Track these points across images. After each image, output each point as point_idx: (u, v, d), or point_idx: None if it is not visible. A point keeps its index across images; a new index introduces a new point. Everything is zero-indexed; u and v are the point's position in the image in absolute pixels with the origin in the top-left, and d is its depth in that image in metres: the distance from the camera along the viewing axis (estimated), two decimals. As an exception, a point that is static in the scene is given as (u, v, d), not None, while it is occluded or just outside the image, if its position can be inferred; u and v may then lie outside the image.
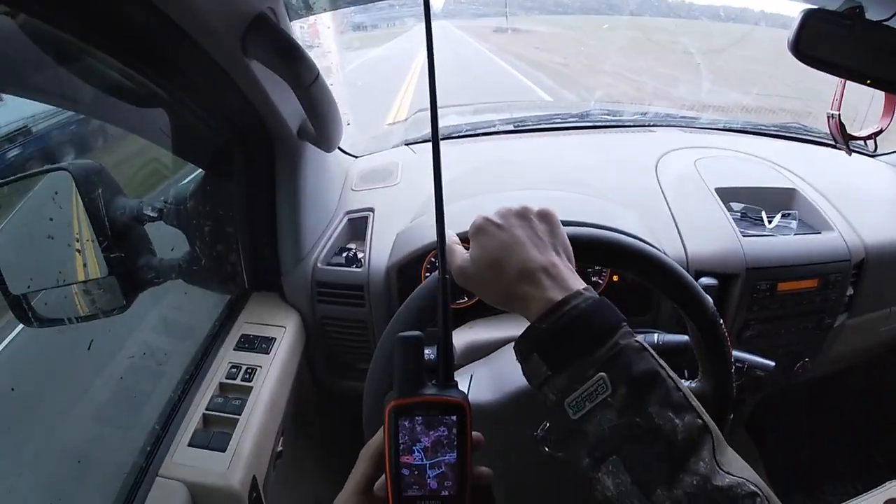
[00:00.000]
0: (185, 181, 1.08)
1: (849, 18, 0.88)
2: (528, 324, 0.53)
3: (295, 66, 0.81)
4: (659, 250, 1.09)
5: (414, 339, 0.46)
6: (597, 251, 0.74)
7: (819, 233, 1.28)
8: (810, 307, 1.25)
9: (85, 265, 0.90)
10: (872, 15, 0.87)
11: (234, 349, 1.06)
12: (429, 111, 0.51)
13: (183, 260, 1.06)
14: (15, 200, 0.94)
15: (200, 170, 1.06)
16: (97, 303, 0.95)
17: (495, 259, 0.56)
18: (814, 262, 1.21)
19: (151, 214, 0.97)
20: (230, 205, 1.08)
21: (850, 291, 1.30)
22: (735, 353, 0.93)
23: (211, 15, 0.67)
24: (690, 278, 0.76)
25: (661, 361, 0.49)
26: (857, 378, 1.65)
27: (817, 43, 0.90)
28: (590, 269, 1.20)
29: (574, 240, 0.62)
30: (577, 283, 0.53)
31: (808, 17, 0.88)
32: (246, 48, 0.76)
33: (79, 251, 0.90)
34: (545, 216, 0.61)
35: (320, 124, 0.97)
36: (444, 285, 0.50)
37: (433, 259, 1.14)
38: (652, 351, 0.50)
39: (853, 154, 1.09)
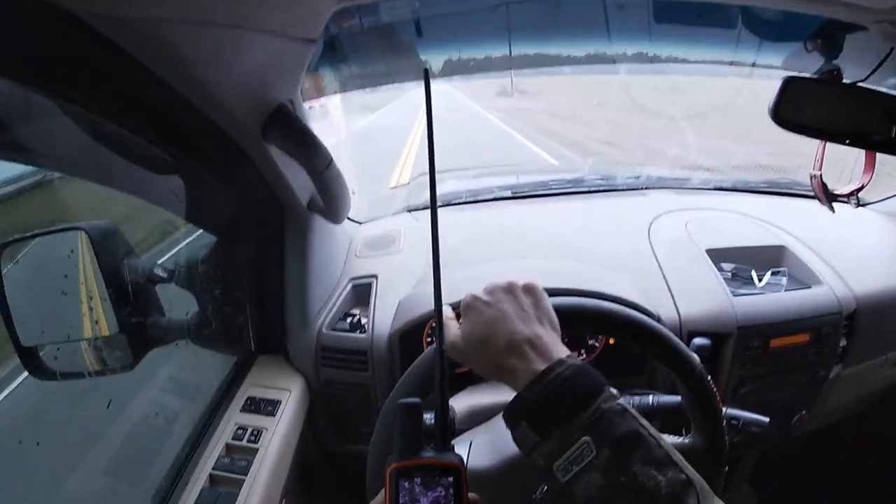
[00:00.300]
0: (198, 245, 1.11)
1: (827, 82, 0.93)
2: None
3: (311, 153, 0.88)
4: (648, 313, 1.14)
5: (413, 405, 0.50)
6: (581, 319, 0.78)
7: (809, 287, 1.30)
8: (803, 361, 1.26)
9: (96, 322, 0.92)
10: (849, 76, 0.92)
11: (241, 411, 1.07)
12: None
13: (192, 321, 1.08)
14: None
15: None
16: (106, 359, 0.97)
17: (483, 335, 0.61)
18: (804, 317, 1.23)
19: (162, 275, 1.00)
20: (240, 270, 1.11)
21: (843, 343, 1.31)
22: (730, 410, 0.95)
23: (236, 106, 0.72)
24: (675, 339, 0.79)
25: (643, 421, 0.52)
26: (857, 427, 1.63)
27: (797, 108, 0.93)
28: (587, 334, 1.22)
29: (559, 310, 0.66)
30: (561, 352, 0.57)
31: (788, 83, 0.93)
32: (266, 135, 0.81)
33: (91, 308, 0.92)
34: (530, 290, 0.65)
35: (331, 203, 1.04)
36: (440, 357, 0.54)
37: (434, 325, 1.16)
38: (634, 412, 0.52)
39: (844, 205, 1.13)
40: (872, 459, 1.72)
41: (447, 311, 0.69)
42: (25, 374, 0.93)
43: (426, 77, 0.58)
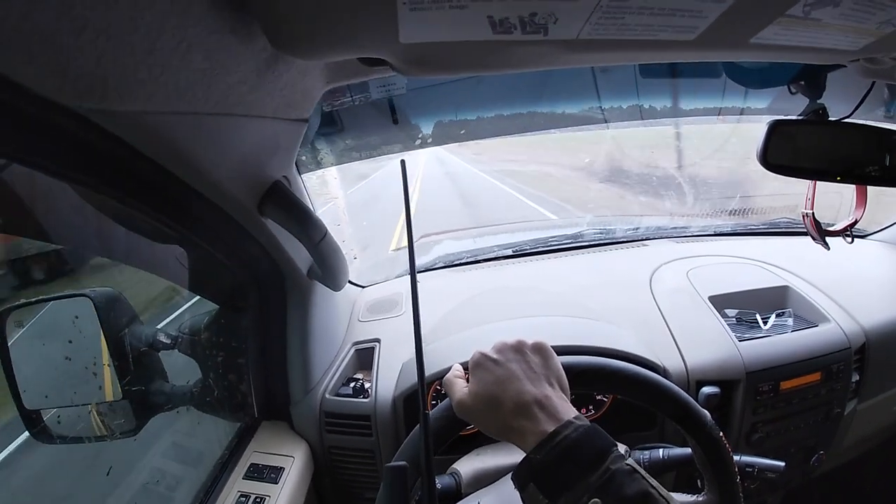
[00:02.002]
0: (200, 313, 1.12)
1: (813, 122, 0.94)
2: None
3: (306, 227, 0.90)
4: (655, 366, 1.13)
5: (398, 468, 0.50)
6: (590, 379, 0.78)
7: (816, 326, 1.29)
8: (816, 400, 1.24)
9: (100, 387, 0.93)
10: (835, 113, 0.93)
11: (244, 478, 1.05)
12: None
13: (195, 387, 1.08)
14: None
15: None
16: (109, 425, 0.97)
17: (492, 394, 0.60)
18: (814, 356, 1.21)
19: (165, 342, 1.01)
20: (242, 337, 1.11)
21: (855, 378, 1.29)
22: (744, 458, 0.94)
23: (232, 186, 0.74)
24: (684, 395, 0.79)
25: (653, 481, 0.52)
26: (881, 459, 1.58)
27: (785, 151, 0.94)
28: None
29: (568, 369, 0.66)
30: (569, 413, 0.57)
31: (774, 127, 0.93)
32: (262, 211, 0.84)
33: (95, 374, 0.93)
34: (539, 349, 0.65)
35: (328, 273, 1.06)
36: (425, 434, 0.55)
37: (438, 387, 1.15)
38: (643, 472, 0.52)
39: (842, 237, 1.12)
40: None
41: (456, 369, 0.69)
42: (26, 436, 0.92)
43: (403, 168, 0.61)
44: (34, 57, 0.34)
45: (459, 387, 0.65)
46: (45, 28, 0.32)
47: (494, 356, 0.63)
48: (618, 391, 0.82)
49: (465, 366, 0.68)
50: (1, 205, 0.70)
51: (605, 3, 0.42)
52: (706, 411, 0.79)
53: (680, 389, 0.80)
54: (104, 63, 0.38)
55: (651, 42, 0.53)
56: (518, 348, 0.64)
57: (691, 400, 0.79)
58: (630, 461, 0.52)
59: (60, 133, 0.45)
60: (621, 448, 0.95)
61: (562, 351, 0.74)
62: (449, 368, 0.71)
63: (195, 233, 0.84)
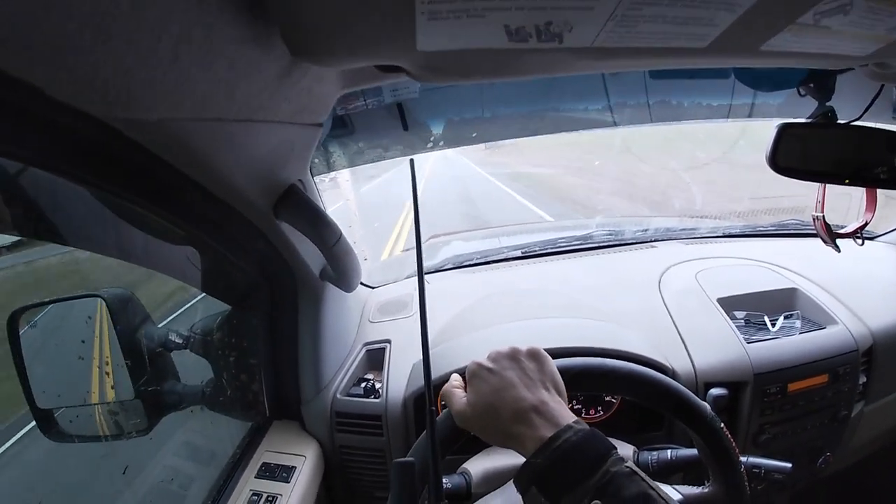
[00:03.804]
0: (212, 313, 1.13)
1: (822, 124, 0.94)
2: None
3: (320, 230, 0.92)
4: (662, 366, 1.14)
5: (406, 464, 0.51)
6: (585, 380, 0.78)
7: (824, 328, 1.29)
8: (823, 402, 1.24)
9: (112, 387, 0.94)
10: (843, 117, 0.93)
11: (256, 477, 1.06)
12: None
13: (207, 387, 1.09)
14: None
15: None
16: (121, 424, 0.97)
17: (489, 403, 0.61)
18: (821, 358, 1.22)
19: (178, 342, 1.03)
20: (254, 338, 1.12)
21: (862, 380, 1.29)
22: (751, 459, 0.94)
23: (249, 189, 0.75)
24: (683, 390, 0.79)
25: (652, 483, 0.52)
26: (889, 461, 1.57)
27: (794, 154, 0.94)
28: None
29: (563, 372, 0.67)
30: (567, 418, 0.58)
31: (783, 130, 0.93)
32: (277, 214, 0.85)
33: (107, 373, 0.94)
34: (534, 355, 0.66)
35: (341, 275, 1.07)
36: (432, 439, 0.56)
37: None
38: (643, 474, 0.53)
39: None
40: None
41: (454, 380, 0.70)
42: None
43: (412, 167, 0.61)
44: (62, 69, 0.35)
45: (458, 397, 0.66)
46: (71, 41, 0.33)
47: (490, 365, 0.65)
48: (615, 390, 0.83)
49: (463, 374, 0.69)
50: (14, 207, 0.69)
51: (619, 11, 0.43)
52: (707, 405, 0.80)
53: (678, 384, 0.80)
54: (129, 74, 0.39)
55: (663, 49, 0.53)
56: (512, 356, 0.65)
57: (689, 393, 0.79)
58: (629, 464, 0.53)
59: (84, 140, 0.47)
60: (628, 449, 0.96)
61: (561, 354, 0.74)
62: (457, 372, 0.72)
63: (211, 235, 0.85)
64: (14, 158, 0.47)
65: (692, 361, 1.20)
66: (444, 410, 0.74)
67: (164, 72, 0.41)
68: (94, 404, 0.97)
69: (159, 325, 1.01)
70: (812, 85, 0.96)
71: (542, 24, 0.44)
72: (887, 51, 0.63)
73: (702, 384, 1.17)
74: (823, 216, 1.12)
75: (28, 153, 0.47)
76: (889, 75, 0.83)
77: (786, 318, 1.34)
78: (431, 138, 1.39)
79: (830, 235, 1.12)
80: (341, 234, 0.97)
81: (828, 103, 0.95)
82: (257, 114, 0.60)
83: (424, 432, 0.71)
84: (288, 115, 0.68)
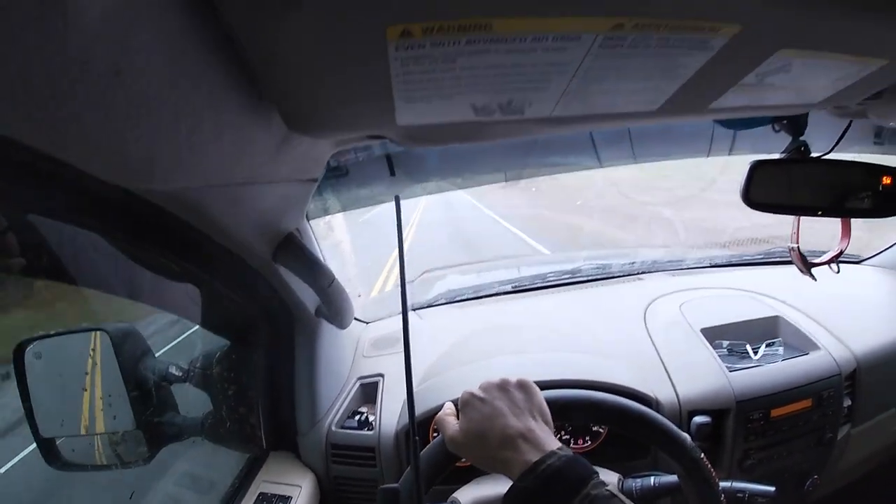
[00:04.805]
0: (212, 347, 1.16)
1: (794, 159, 0.97)
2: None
3: (315, 273, 0.98)
4: (645, 397, 1.17)
5: (391, 490, 0.55)
6: (571, 410, 0.83)
7: (806, 354, 1.32)
8: (808, 426, 1.26)
9: (114, 417, 0.97)
10: (816, 150, 0.96)
11: None
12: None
13: (206, 419, 1.12)
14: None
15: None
16: (122, 454, 1.01)
17: (480, 429, 0.66)
18: (804, 384, 1.24)
19: (178, 375, 1.06)
20: (252, 372, 1.15)
21: (847, 403, 1.31)
22: (735, 483, 0.96)
23: (250, 240, 0.81)
24: (663, 420, 0.83)
25: None
26: (878, 482, 1.59)
27: (767, 189, 0.97)
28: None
29: (550, 402, 0.72)
30: (552, 444, 0.62)
31: (755, 167, 0.97)
32: (276, 259, 0.90)
33: (109, 404, 0.97)
34: (523, 386, 0.71)
35: (335, 314, 1.12)
36: (414, 451, 0.61)
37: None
38: (623, 497, 0.57)
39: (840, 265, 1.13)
40: None
41: (448, 408, 0.75)
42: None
43: (397, 203, 0.67)
44: (99, 150, 0.41)
45: (450, 424, 0.71)
46: (110, 128, 0.39)
47: (481, 395, 0.69)
48: (599, 420, 0.87)
49: (456, 403, 0.74)
50: (25, 247, 0.72)
51: (571, 88, 0.48)
52: (686, 435, 0.83)
53: (658, 415, 0.84)
54: (153, 153, 0.45)
55: (616, 114, 0.58)
56: (503, 386, 0.70)
57: (670, 424, 0.83)
58: (610, 487, 0.57)
59: (108, 202, 0.52)
60: (613, 476, 1.00)
61: (548, 386, 0.79)
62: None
63: (215, 278, 0.90)
64: (46, 216, 0.54)
65: (676, 391, 1.23)
66: (437, 437, 0.78)
67: (182, 150, 0.47)
68: (95, 434, 1.00)
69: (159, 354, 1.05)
70: (785, 121, 0.98)
71: (504, 102, 0.50)
72: (837, 98, 0.65)
73: (685, 413, 1.20)
74: (798, 247, 1.15)
75: (61, 213, 0.54)
76: (851, 112, 0.88)
77: (768, 345, 1.37)
78: (419, 185, 1.45)
79: (806, 265, 1.15)
80: (334, 277, 1.02)
81: (801, 137, 0.97)
82: (260, 177, 0.66)
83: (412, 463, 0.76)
84: (286, 175, 0.74)
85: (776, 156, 1.01)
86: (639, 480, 0.97)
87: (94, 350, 0.97)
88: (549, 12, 0.36)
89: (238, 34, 0.37)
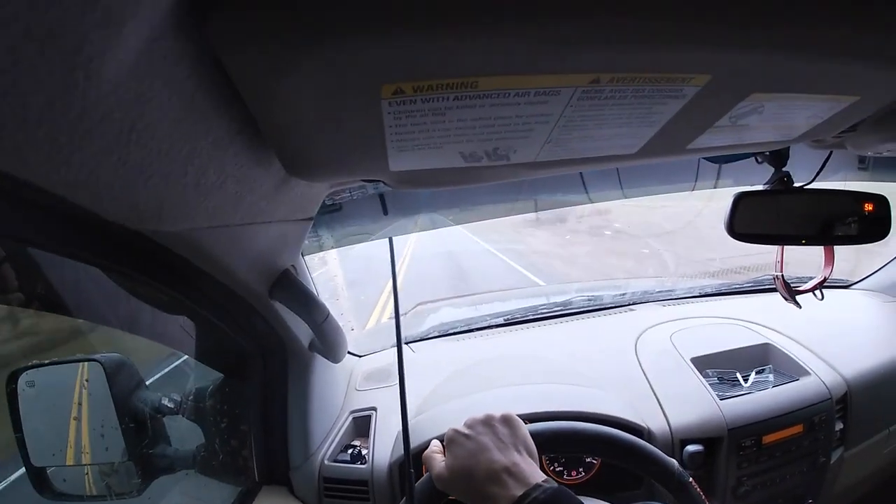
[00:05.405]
0: (205, 381, 1.16)
1: (776, 190, 1.00)
2: None
3: (310, 309, 0.99)
4: (637, 427, 1.18)
5: None
6: (555, 442, 0.84)
7: (796, 380, 1.34)
8: (800, 452, 1.27)
9: (106, 448, 0.97)
10: (799, 180, 0.99)
11: None
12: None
13: (198, 452, 1.11)
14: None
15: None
16: (113, 485, 1.00)
17: (466, 466, 0.67)
18: (794, 409, 1.25)
19: (170, 406, 1.06)
20: (245, 405, 1.15)
21: (839, 426, 1.31)
22: None
23: (247, 277, 0.82)
24: (652, 448, 0.84)
25: None
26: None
27: (751, 220, 1.01)
28: None
29: (535, 435, 0.73)
30: (537, 477, 0.63)
31: (739, 199, 1.00)
32: (272, 295, 0.92)
33: (101, 435, 0.97)
34: (507, 420, 0.72)
35: (329, 348, 1.14)
36: (410, 489, 0.62)
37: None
38: None
39: (829, 290, 1.15)
40: None
41: (434, 445, 0.76)
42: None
43: (391, 245, 0.69)
44: (110, 194, 0.43)
45: (437, 461, 0.71)
46: (122, 174, 0.41)
47: (466, 431, 0.70)
48: (585, 451, 0.87)
49: (442, 440, 0.75)
50: (21, 280, 0.75)
51: (553, 136, 0.51)
52: (673, 460, 0.84)
53: (644, 443, 0.85)
54: (162, 197, 0.47)
55: (597, 158, 0.61)
56: (487, 422, 0.71)
57: (657, 451, 0.84)
58: None
59: (116, 241, 0.55)
60: None
61: (536, 418, 0.81)
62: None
63: (211, 312, 0.91)
64: (53, 252, 0.55)
65: (668, 420, 1.24)
66: (425, 475, 0.78)
67: (188, 194, 0.49)
68: (86, 465, 0.99)
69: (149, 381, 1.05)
70: (767, 153, 1.02)
71: (490, 150, 0.52)
72: (812, 133, 0.67)
73: (677, 441, 1.21)
74: (783, 275, 1.18)
75: (68, 250, 0.55)
76: (829, 144, 0.90)
77: (757, 373, 1.39)
78: (412, 222, 1.47)
79: (790, 293, 1.19)
80: (329, 313, 1.04)
81: (784, 168, 1.01)
82: (258, 217, 0.68)
83: (403, 500, 0.76)
84: (283, 215, 0.76)
85: (760, 187, 1.05)
86: None
87: (87, 380, 0.98)
88: (531, 70, 0.39)
89: (242, 89, 0.40)
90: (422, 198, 1.44)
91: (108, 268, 0.65)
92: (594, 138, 0.54)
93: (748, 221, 1.02)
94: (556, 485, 0.61)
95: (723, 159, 1.36)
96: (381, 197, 1.30)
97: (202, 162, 0.47)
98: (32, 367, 0.96)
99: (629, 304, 1.95)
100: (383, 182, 0.65)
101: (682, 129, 0.57)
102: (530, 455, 0.69)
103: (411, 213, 1.45)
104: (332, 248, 1.53)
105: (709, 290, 2.02)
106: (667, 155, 0.66)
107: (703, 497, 0.83)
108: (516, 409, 0.77)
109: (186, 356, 1.16)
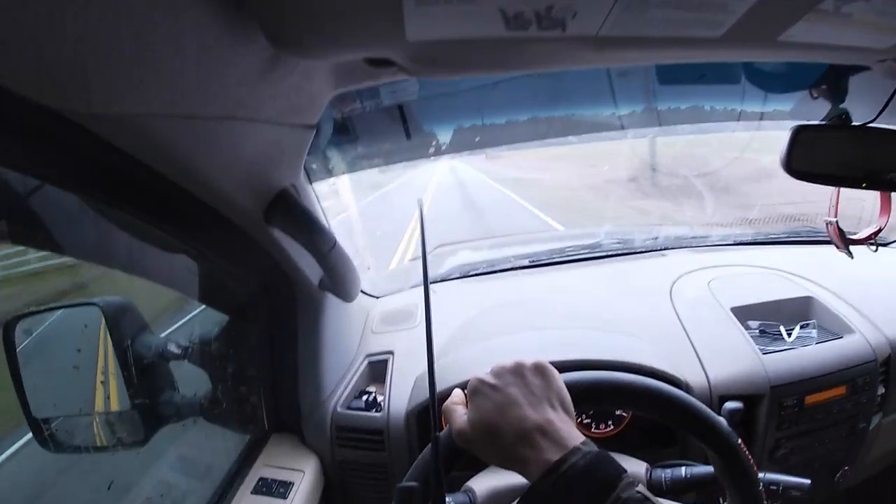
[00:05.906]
0: (210, 323, 1.12)
1: (836, 127, 0.92)
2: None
3: (313, 237, 0.90)
4: (675, 380, 1.11)
5: (410, 489, 0.48)
6: (595, 395, 0.74)
7: (841, 337, 1.26)
8: (842, 415, 1.20)
9: (108, 397, 0.93)
10: (858, 118, 0.91)
11: (252, 493, 1.03)
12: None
13: (204, 398, 1.07)
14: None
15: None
16: (117, 435, 0.96)
17: (491, 422, 0.57)
18: (839, 369, 1.18)
19: (175, 352, 1.01)
20: (253, 349, 1.11)
21: (881, 391, 1.25)
22: (769, 475, 0.89)
23: (236, 194, 0.73)
24: (698, 404, 0.75)
25: None
26: None
27: (808, 157, 0.92)
28: None
29: (571, 388, 0.63)
30: (575, 439, 0.54)
31: (797, 133, 0.91)
32: (268, 220, 0.83)
33: (103, 383, 0.93)
34: (539, 369, 0.62)
35: (338, 284, 1.06)
36: (435, 454, 0.55)
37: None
38: (655, 499, 0.49)
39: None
40: None
41: (456, 395, 0.67)
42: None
43: (420, 209, 0.62)
44: (18, 63, 0.33)
45: (459, 415, 0.62)
46: (26, 38, 0.32)
47: (492, 381, 0.60)
48: (626, 406, 0.79)
49: (465, 389, 0.65)
50: (6, 212, 0.68)
51: None
52: (722, 419, 0.76)
53: (693, 399, 0.76)
54: (88, 68, 0.37)
55: (675, 39, 0.51)
56: (517, 371, 0.61)
57: (706, 408, 0.75)
58: (640, 488, 0.49)
59: (50, 138, 0.45)
60: (640, 466, 0.93)
61: (569, 367, 0.70)
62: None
63: (201, 242, 0.84)
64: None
65: (706, 374, 1.16)
66: (445, 429, 0.70)
67: (128, 65, 0.39)
68: (90, 415, 0.95)
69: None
70: (825, 87, 0.94)
71: (542, 10, 0.41)
72: None
73: (716, 398, 1.13)
74: (837, 221, 1.09)
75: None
76: None
77: (802, 327, 1.30)
78: (433, 143, 1.36)
79: (844, 241, 1.10)
80: (336, 241, 0.95)
81: (842, 105, 0.93)
82: (237, 111, 0.57)
83: (426, 449, 0.68)
84: (275, 115, 0.66)
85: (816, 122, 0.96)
86: (668, 471, 0.90)
87: (87, 326, 0.92)
88: None
89: None
90: (441, 115, 1.31)
91: (24, 168, 0.52)
92: (677, 4, 0.44)
93: (805, 158, 0.93)
94: (595, 448, 0.53)
95: (777, 86, 1.25)
96: (401, 110, 1.18)
97: (142, 19, 0.37)
98: (30, 314, 0.91)
99: (661, 249, 1.85)
100: (398, 65, 0.53)
101: (780, 9, 0.49)
102: (566, 411, 0.60)
103: (428, 133, 1.33)
104: (345, 172, 1.41)
105: (745, 239, 1.92)
106: (754, 45, 0.57)
107: (753, 463, 0.76)
108: (546, 356, 0.67)
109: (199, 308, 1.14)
